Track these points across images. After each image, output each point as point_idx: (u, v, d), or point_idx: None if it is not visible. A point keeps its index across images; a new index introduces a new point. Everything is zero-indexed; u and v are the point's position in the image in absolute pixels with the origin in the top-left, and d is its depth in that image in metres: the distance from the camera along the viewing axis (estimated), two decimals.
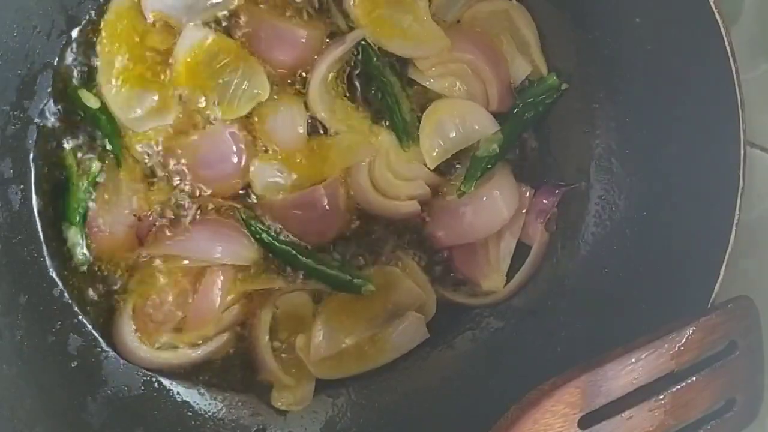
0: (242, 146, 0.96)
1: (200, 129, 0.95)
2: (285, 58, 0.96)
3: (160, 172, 0.96)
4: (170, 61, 0.93)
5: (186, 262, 0.96)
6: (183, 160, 0.95)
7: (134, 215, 0.95)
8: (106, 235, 0.95)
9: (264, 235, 0.97)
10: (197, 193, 0.96)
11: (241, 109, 0.95)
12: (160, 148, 0.95)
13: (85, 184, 0.94)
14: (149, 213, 0.95)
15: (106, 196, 0.95)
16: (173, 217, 0.96)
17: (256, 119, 0.97)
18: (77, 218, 0.93)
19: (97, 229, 0.95)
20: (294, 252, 0.98)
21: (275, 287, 0.99)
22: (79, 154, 0.94)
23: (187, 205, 0.96)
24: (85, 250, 0.95)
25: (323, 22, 0.97)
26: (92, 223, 0.94)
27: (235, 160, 0.96)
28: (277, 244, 0.97)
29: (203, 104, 0.94)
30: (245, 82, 0.94)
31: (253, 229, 0.97)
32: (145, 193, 0.95)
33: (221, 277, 0.97)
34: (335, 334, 0.99)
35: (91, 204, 0.94)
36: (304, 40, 0.96)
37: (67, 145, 0.94)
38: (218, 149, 0.96)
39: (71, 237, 0.94)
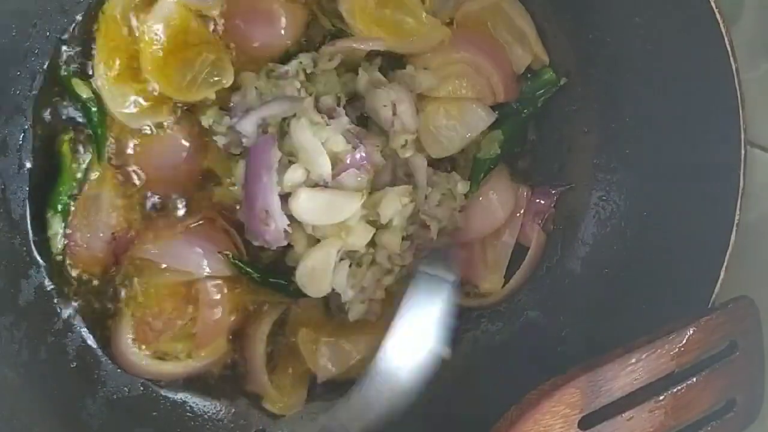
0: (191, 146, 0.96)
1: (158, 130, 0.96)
2: (264, 38, 0.95)
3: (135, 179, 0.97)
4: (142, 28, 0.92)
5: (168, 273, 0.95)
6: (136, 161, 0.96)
7: (112, 233, 0.95)
8: (83, 249, 0.95)
9: (254, 275, 0.97)
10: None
11: (199, 93, 0.94)
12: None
13: (74, 175, 0.94)
14: (127, 232, 0.95)
15: (87, 212, 0.94)
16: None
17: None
18: (59, 206, 0.93)
19: (74, 244, 0.94)
20: (284, 282, 0.98)
21: (271, 299, 1.00)
22: (75, 145, 0.94)
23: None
24: (63, 241, 0.94)
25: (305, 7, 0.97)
26: (70, 238, 0.94)
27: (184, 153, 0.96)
28: (271, 280, 0.98)
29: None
30: (208, 67, 0.93)
31: (243, 271, 0.97)
32: (125, 210, 0.96)
33: (219, 291, 0.97)
34: (342, 351, 0.99)
35: (73, 202, 0.94)
36: (283, 18, 0.95)
37: (65, 135, 0.94)
38: (170, 150, 0.96)
39: (54, 225, 0.93)
